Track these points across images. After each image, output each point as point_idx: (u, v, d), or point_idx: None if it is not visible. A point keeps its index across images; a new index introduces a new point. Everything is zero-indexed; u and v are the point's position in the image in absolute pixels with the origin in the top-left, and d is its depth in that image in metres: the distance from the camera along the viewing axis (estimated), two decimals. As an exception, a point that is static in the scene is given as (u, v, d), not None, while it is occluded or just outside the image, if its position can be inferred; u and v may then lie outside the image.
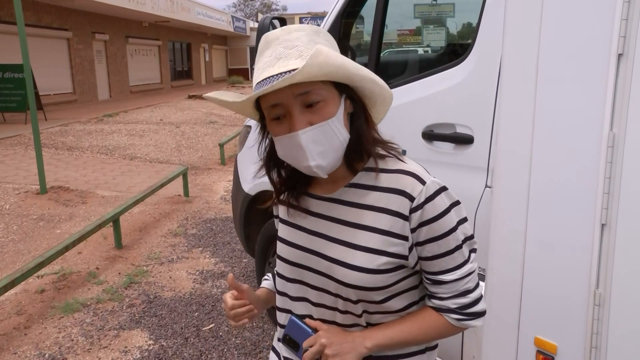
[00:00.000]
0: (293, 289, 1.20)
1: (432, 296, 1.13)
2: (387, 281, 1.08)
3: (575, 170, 1.53)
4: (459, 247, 1.08)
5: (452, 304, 1.10)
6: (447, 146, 2.25)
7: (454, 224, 1.07)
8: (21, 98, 12.24)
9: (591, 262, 1.52)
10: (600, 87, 1.44)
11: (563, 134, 1.55)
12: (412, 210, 1.05)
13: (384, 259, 1.06)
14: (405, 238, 1.06)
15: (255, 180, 3.33)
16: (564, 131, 1.55)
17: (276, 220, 1.29)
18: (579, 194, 1.53)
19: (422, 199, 1.04)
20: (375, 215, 1.08)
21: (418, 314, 1.14)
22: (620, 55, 1.40)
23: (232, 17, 32.97)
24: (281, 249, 1.22)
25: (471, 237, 1.11)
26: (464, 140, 2.18)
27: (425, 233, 1.06)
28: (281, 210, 1.24)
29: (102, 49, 19.99)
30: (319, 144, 1.01)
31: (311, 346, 1.09)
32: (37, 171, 6.46)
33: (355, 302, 1.10)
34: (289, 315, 1.20)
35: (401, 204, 1.06)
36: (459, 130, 2.20)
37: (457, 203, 1.09)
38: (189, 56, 29.57)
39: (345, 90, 1.06)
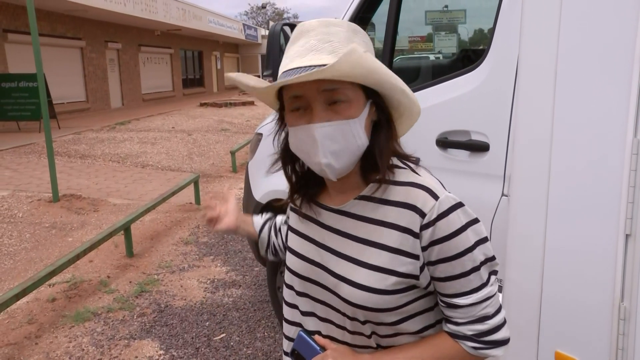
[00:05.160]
0: (302, 303, 1.16)
1: (447, 320, 1.05)
2: (397, 302, 1.01)
3: (597, 178, 1.48)
4: (475, 269, 0.99)
5: (468, 330, 1.01)
6: (462, 154, 2.20)
7: (471, 243, 0.98)
8: (35, 107, 12.38)
9: (615, 274, 1.46)
10: (623, 92, 1.39)
11: (584, 140, 1.50)
12: (423, 227, 0.97)
13: (394, 278, 0.99)
14: (415, 257, 0.99)
15: (266, 189, 3.30)
16: (585, 137, 1.49)
17: (284, 227, 1.24)
18: (602, 202, 1.47)
19: (434, 216, 0.97)
20: (384, 231, 1.01)
21: (432, 339, 1.06)
22: (644, 59, 1.35)
23: (244, 25, 33.17)
24: (290, 259, 1.17)
25: (492, 258, 1.02)
26: (479, 147, 2.13)
27: (437, 252, 0.98)
28: (292, 219, 1.20)
29: (114, 57, 20.20)
30: (335, 142, 0.95)
31: None
32: (49, 179, 6.50)
33: (363, 323, 1.05)
34: (298, 329, 1.16)
35: (411, 220, 0.98)
36: (474, 137, 2.15)
37: (475, 221, 1.00)
38: (201, 64, 29.77)
39: (373, 96, 1.01)
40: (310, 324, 1.15)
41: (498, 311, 1.02)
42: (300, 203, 1.14)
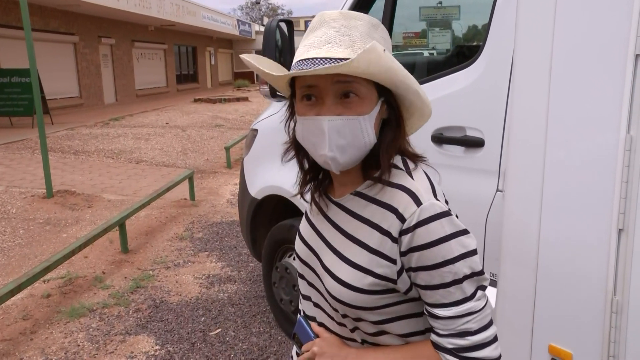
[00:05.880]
0: (302, 285, 1.20)
1: (432, 330, 1.02)
2: (374, 303, 1.00)
3: (591, 173, 1.49)
4: (457, 282, 0.95)
5: (447, 343, 0.97)
6: (457, 149, 2.22)
7: (453, 255, 0.94)
8: (28, 102, 12.30)
9: (608, 268, 1.48)
10: (617, 89, 1.40)
11: (578, 136, 1.51)
12: (402, 233, 0.96)
13: (371, 279, 0.99)
14: (392, 261, 0.98)
15: (261, 184, 3.31)
16: (579, 133, 1.51)
17: None
18: (595, 198, 1.49)
19: (414, 222, 0.95)
20: (368, 231, 1.01)
21: (416, 346, 1.04)
22: (637, 56, 1.36)
23: (238, 20, 33.04)
24: (297, 240, 1.20)
25: (479, 272, 0.97)
26: (474, 143, 2.15)
27: (416, 259, 0.96)
28: (308, 203, 1.21)
29: (108, 53, 20.07)
30: (342, 137, 0.95)
31: (307, 351, 1.09)
32: (43, 175, 6.47)
33: (343, 317, 1.06)
34: (301, 314, 1.21)
35: (391, 224, 0.97)
36: (469, 133, 2.17)
37: (462, 232, 0.96)
38: (195, 60, 29.65)
39: (385, 94, 1.00)
40: (307, 307, 1.18)
41: (484, 328, 0.97)
42: (310, 193, 1.14)
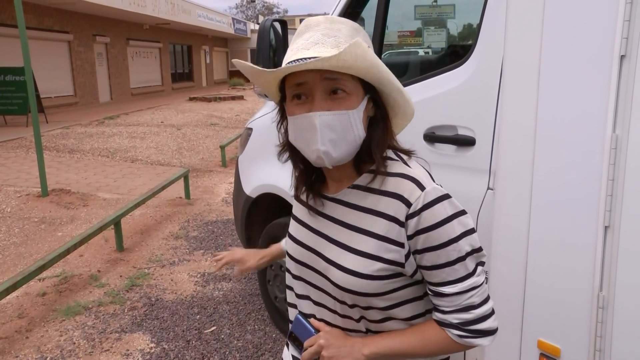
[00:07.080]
0: (298, 286, 1.22)
1: (435, 309, 1.09)
2: (383, 288, 1.05)
3: (578, 172, 1.53)
4: (461, 259, 1.02)
5: (453, 318, 1.05)
6: (449, 148, 2.24)
7: (456, 234, 1.01)
8: (22, 101, 12.26)
9: (594, 265, 1.51)
10: (603, 89, 1.43)
11: (566, 136, 1.54)
12: (409, 217, 1.01)
13: (379, 264, 1.04)
14: (401, 245, 1.03)
15: (256, 183, 3.33)
16: (567, 133, 1.54)
17: None
18: (582, 196, 1.52)
19: (420, 206, 1.01)
20: (372, 219, 1.06)
21: (420, 327, 1.10)
22: (622, 57, 1.39)
23: (233, 19, 32.98)
24: (289, 244, 1.23)
25: (478, 249, 1.05)
26: (465, 142, 2.17)
27: (423, 241, 1.02)
28: (295, 206, 1.25)
29: (103, 51, 20.01)
30: (333, 131, 1.00)
31: (311, 346, 1.10)
32: (38, 174, 6.46)
33: (351, 307, 1.09)
34: (296, 311, 1.22)
35: (398, 209, 1.03)
36: (461, 132, 2.19)
37: (461, 213, 1.04)
38: (190, 58, 29.58)
39: (371, 92, 1.06)
40: (305, 306, 1.20)
41: (485, 301, 1.05)
42: (305, 194, 1.18)
